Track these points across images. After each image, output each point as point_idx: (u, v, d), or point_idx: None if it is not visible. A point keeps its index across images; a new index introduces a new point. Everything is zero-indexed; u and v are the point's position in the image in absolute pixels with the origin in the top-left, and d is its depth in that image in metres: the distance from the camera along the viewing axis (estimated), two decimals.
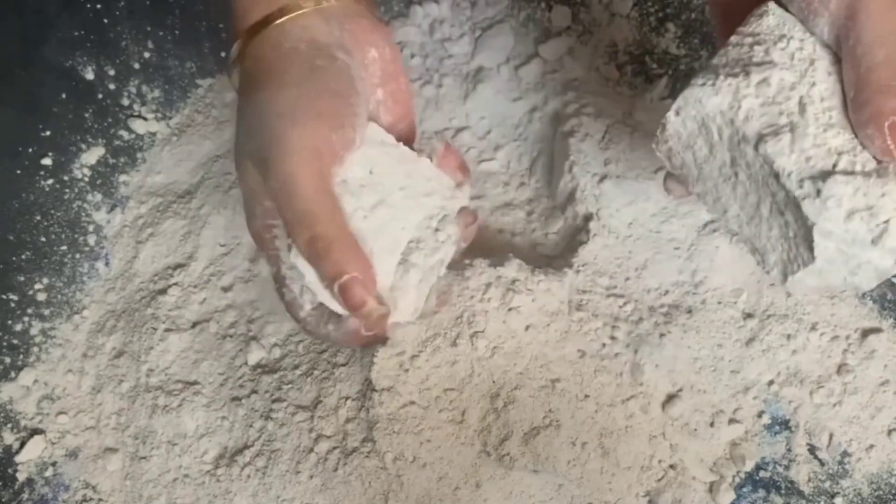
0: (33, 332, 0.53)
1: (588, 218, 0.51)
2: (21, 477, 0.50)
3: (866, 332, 0.50)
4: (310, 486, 0.46)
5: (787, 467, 0.48)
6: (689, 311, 0.49)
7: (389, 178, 0.40)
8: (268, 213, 0.39)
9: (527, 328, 0.46)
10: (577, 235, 0.52)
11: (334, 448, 0.46)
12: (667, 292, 0.50)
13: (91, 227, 0.56)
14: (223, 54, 0.60)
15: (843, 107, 0.35)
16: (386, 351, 0.46)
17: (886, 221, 0.34)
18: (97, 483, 0.49)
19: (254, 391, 0.48)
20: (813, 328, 0.49)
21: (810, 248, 0.35)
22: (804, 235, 0.35)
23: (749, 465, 0.48)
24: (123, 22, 0.59)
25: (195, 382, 0.50)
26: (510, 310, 0.46)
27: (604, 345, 0.48)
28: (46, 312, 0.53)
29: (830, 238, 0.34)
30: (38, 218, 0.55)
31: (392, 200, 0.39)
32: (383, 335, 0.42)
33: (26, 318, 0.53)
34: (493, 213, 0.54)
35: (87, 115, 0.57)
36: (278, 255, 0.40)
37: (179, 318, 0.52)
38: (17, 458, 0.50)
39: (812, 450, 0.48)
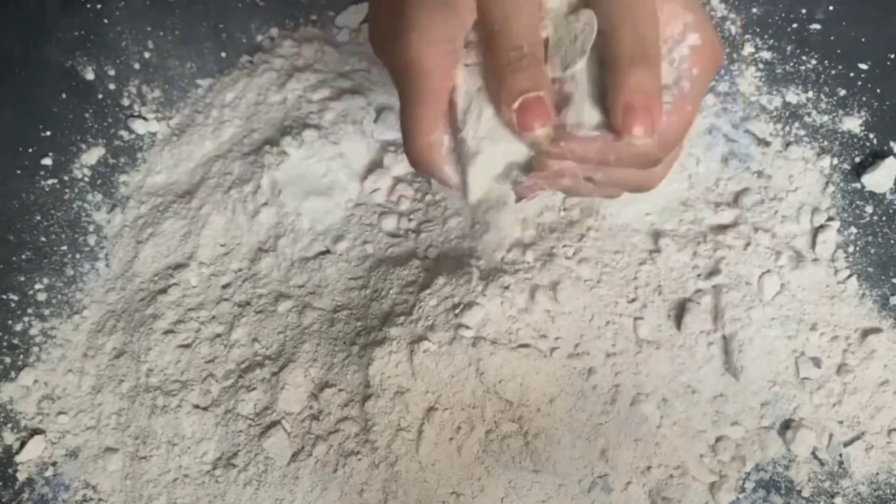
0: (33, 332, 0.53)
1: (587, 215, 0.51)
2: (21, 477, 0.50)
3: (866, 332, 0.50)
4: (308, 488, 0.46)
5: (787, 467, 0.48)
6: (690, 311, 0.49)
7: None
8: (460, 23, 0.35)
9: (527, 328, 0.47)
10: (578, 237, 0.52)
11: (332, 449, 0.46)
12: (666, 291, 0.50)
13: (91, 227, 0.56)
14: (223, 54, 0.60)
15: None
16: (382, 351, 0.46)
17: None
18: (97, 483, 0.49)
19: (252, 390, 0.48)
20: (813, 328, 0.49)
21: None
22: None
23: (749, 465, 0.48)
24: (123, 22, 0.59)
25: (194, 383, 0.50)
26: (509, 309, 0.47)
27: (603, 345, 0.48)
28: (46, 312, 0.53)
29: None
30: (38, 218, 0.55)
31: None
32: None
33: (26, 318, 0.53)
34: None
35: (87, 115, 0.57)
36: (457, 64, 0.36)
37: (179, 319, 0.52)
38: (17, 458, 0.50)
39: (812, 450, 0.48)
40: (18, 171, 0.55)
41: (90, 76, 0.58)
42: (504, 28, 0.34)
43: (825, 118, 0.55)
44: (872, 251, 0.52)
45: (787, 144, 0.55)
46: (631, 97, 0.33)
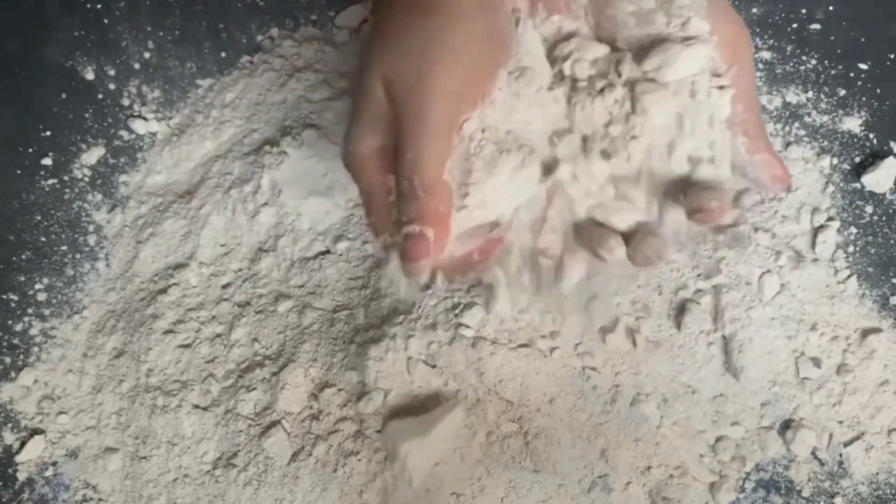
0: (33, 332, 0.53)
1: None
2: (21, 477, 0.50)
3: (866, 332, 0.50)
4: (308, 488, 0.46)
5: (786, 467, 0.48)
6: (690, 311, 0.49)
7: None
8: (384, 138, 0.39)
9: (527, 328, 0.47)
10: None
11: (332, 449, 0.46)
12: (666, 291, 0.50)
13: (91, 227, 0.56)
14: (223, 54, 0.60)
15: None
16: (379, 349, 0.46)
17: None
18: (97, 483, 0.49)
19: (252, 390, 0.48)
20: (813, 328, 0.49)
21: None
22: None
23: (749, 465, 0.48)
24: (123, 22, 0.59)
25: (194, 383, 0.50)
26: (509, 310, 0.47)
27: (605, 346, 0.48)
28: (46, 312, 0.53)
29: None
30: (38, 218, 0.55)
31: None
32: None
33: (26, 318, 0.53)
34: None
35: (87, 115, 0.57)
36: (380, 181, 0.40)
37: (179, 319, 0.52)
38: (17, 458, 0.50)
39: (812, 450, 0.48)
40: (18, 171, 0.55)
41: (90, 76, 0.58)
42: (409, 157, 0.37)
43: (825, 118, 0.55)
44: (872, 251, 0.52)
45: (787, 144, 0.55)
46: (774, 161, 0.40)
